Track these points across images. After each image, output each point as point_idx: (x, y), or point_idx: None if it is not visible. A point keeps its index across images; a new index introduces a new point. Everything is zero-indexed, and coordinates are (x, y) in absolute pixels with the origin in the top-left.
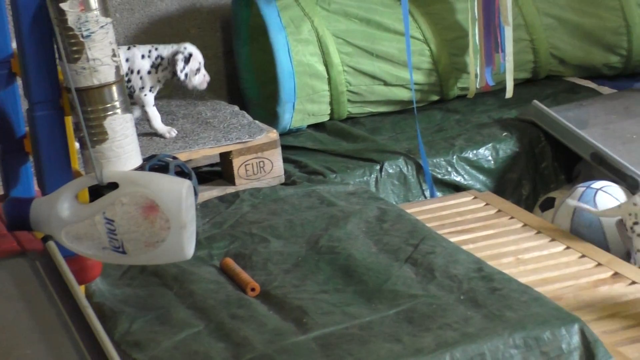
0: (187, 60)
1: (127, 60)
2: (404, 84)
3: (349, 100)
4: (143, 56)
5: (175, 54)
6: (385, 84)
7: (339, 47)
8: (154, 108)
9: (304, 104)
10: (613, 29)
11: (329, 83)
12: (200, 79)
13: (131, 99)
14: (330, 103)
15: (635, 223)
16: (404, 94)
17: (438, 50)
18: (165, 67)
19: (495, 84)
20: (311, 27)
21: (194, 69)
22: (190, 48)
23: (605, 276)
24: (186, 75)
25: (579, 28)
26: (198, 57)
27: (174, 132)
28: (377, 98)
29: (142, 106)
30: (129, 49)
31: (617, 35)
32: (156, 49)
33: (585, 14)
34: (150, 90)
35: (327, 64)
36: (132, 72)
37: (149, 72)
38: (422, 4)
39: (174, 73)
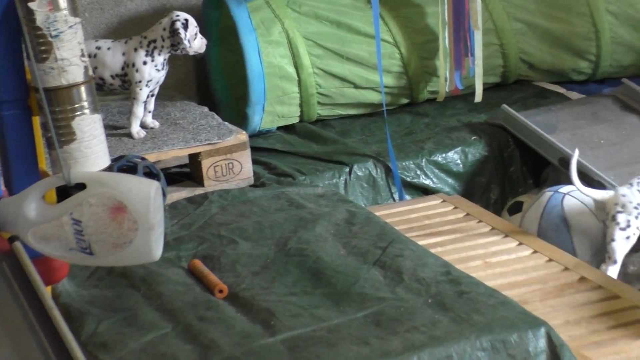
0: (185, 26)
1: (123, 54)
2: (374, 87)
3: (318, 103)
4: (136, 49)
5: (172, 24)
6: (355, 86)
7: (310, 49)
8: (142, 106)
9: (273, 105)
10: (582, 34)
11: (299, 85)
12: (199, 43)
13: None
14: (300, 105)
15: (618, 212)
16: (374, 97)
17: (408, 54)
18: (161, 48)
19: (465, 88)
20: (282, 29)
21: (193, 33)
22: (183, 14)
23: (572, 280)
24: (189, 41)
25: (548, 33)
26: (193, 22)
27: (142, 134)
28: (347, 100)
29: (133, 98)
30: (125, 42)
31: (586, 40)
32: (145, 37)
33: (554, 19)
34: (146, 85)
35: (297, 66)
36: (127, 65)
37: (145, 63)
38: (392, 7)
39: (174, 45)
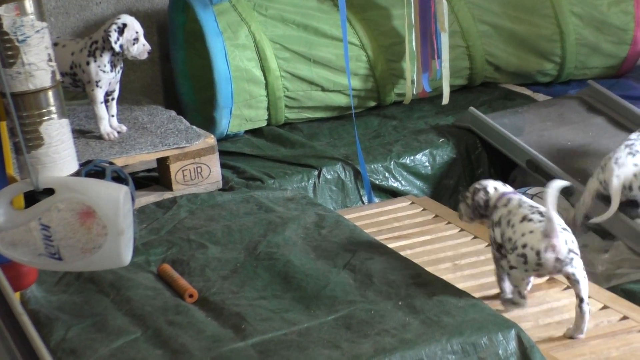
0: (121, 30)
1: (72, 53)
2: (341, 90)
3: (286, 106)
4: (82, 49)
5: (108, 27)
6: (323, 89)
7: (277, 52)
8: (102, 107)
9: (241, 109)
10: (547, 36)
11: (267, 88)
12: (139, 49)
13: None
14: (268, 108)
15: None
16: (341, 100)
17: (375, 56)
18: (102, 49)
19: (432, 90)
20: (248, 32)
21: (131, 38)
22: (125, 18)
23: (541, 281)
24: (121, 46)
25: (514, 35)
26: (134, 26)
27: (113, 135)
28: (314, 104)
29: (91, 101)
30: (77, 42)
31: (551, 42)
32: (90, 38)
33: (519, 21)
34: (97, 86)
35: (264, 69)
36: (75, 65)
37: (88, 63)
38: (359, 10)
39: (112, 48)
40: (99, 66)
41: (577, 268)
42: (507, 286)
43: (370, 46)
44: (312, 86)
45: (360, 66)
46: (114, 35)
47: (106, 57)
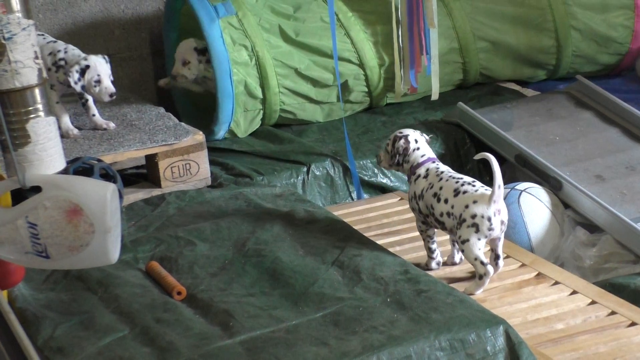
0: (82, 72)
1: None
2: (336, 102)
3: (280, 117)
4: (50, 53)
5: (71, 67)
6: (318, 102)
7: (277, 69)
8: (58, 106)
9: (238, 121)
10: (545, 48)
11: (264, 103)
12: (101, 90)
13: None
14: (262, 119)
15: None
16: (334, 108)
17: (372, 75)
18: (65, 72)
19: (421, 86)
20: (251, 50)
21: (92, 80)
22: (91, 60)
23: (529, 277)
24: (83, 87)
25: (512, 51)
26: (97, 69)
27: (72, 132)
28: (307, 116)
29: None
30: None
31: (548, 54)
32: (65, 51)
33: (519, 36)
34: (52, 87)
35: (263, 87)
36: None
37: (49, 69)
38: (366, 25)
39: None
40: (57, 78)
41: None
42: (457, 257)
43: (369, 65)
44: (308, 99)
45: (357, 83)
46: (74, 76)
47: (65, 79)
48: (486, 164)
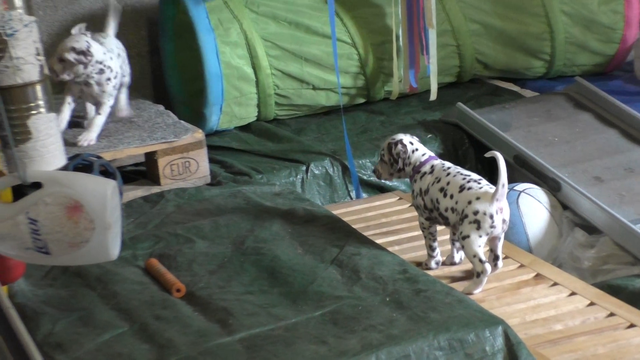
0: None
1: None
2: (331, 88)
3: (276, 103)
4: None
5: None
6: (314, 87)
7: (268, 50)
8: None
9: (231, 106)
10: (536, 34)
11: (257, 86)
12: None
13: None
14: (258, 105)
15: None
16: (331, 98)
17: (366, 54)
18: None
19: (420, 86)
20: (240, 30)
21: None
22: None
23: (528, 277)
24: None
25: (504, 33)
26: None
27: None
28: (304, 102)
29: None
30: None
31: (541, 40)
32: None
33: (510, 19)
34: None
35: (255, 67)
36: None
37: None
38: (350, 7)
39: None
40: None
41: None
42: (457, 256)
43: (362, 44)
44: (302, 84)
45: (351, 64)
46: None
47: None
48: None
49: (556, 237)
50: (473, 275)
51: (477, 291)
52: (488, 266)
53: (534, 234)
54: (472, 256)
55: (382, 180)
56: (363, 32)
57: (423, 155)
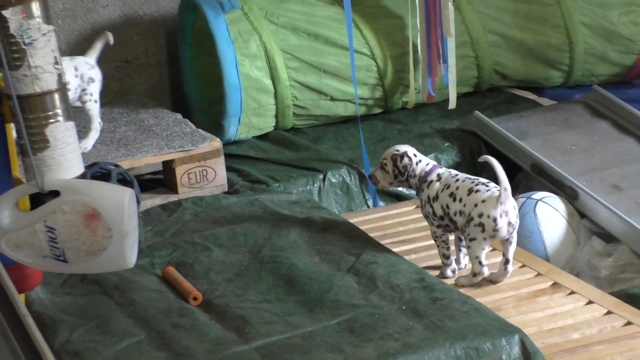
0: None
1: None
2: (350, 99)
3: (294, 114)
4: None
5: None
6: (332, 99)
7: (287, 61)
8: None
9: (249, 117)
10: (556, 45)
11: (275, 97)
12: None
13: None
14: (276, 116)
15: None
16: (349, 108)
17: (384, 66)
18: None
19: (438, 95)
20: (259, 42)
21: None
22: None
23: (545, 286)
24: None
25: (523, 45)
26: None
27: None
28: (322, 112)
29: None
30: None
31: (560, 51)
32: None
33: (529, 31)
34: None
35: (274, 79)
36: None
37: None
38: (370, 19)
39: None
40: None
41: (516, 231)
42: (463, 262)
43: (381, 56)
44: (320, 95)
45: (369, 76)
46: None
47: None
48: None
49: (573, 246)
50: (487, 283)
51: (467, 285)
52: (486, 270)
53: (551, 243)
54: (474, 257)
55: (379, 187)
56: (382, 44)
57: (427, 165)
